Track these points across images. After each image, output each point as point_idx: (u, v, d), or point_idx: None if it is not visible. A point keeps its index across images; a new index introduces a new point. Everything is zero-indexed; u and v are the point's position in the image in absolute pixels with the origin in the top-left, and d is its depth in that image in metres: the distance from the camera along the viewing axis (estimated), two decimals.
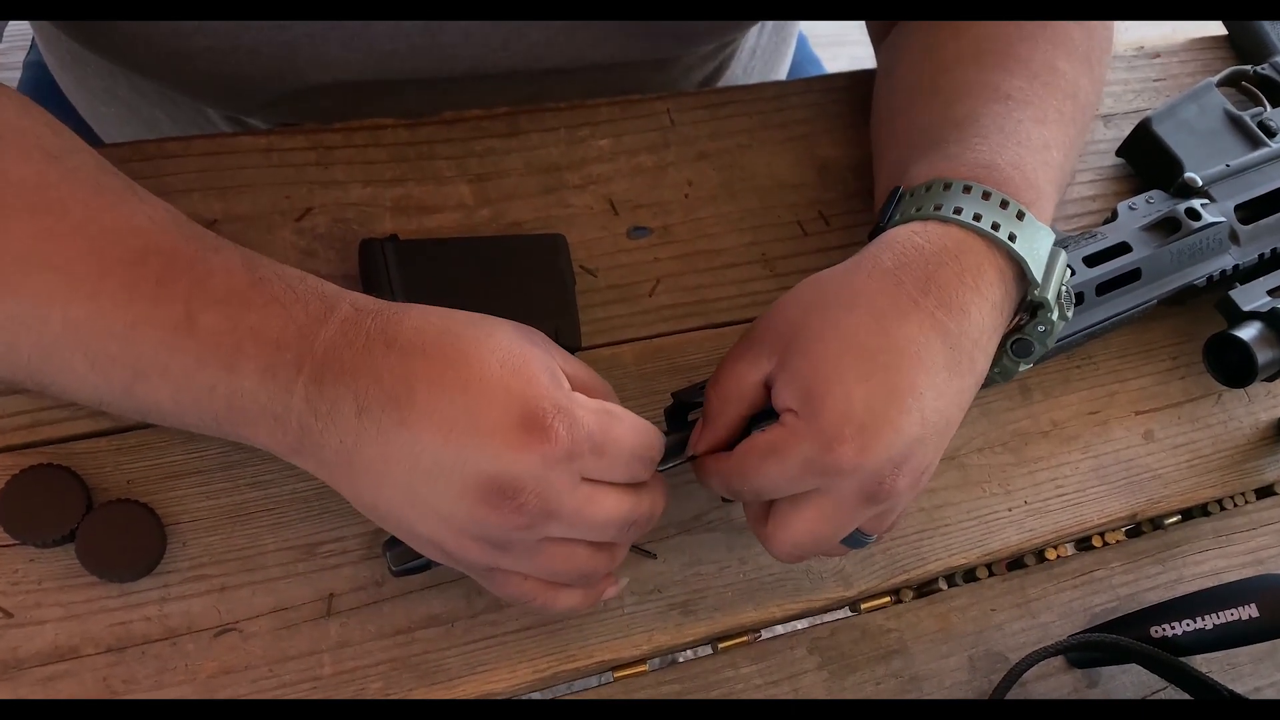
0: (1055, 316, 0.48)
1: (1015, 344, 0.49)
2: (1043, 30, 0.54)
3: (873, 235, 0.49)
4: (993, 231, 0.45)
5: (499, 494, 0.39)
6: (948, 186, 0.47)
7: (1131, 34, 0.83)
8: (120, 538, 0.45)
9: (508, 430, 0.38)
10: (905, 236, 0.46)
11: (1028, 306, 0.48)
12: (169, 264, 0.41)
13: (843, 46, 1.47)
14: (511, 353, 0.40)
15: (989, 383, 0.49)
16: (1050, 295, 0.47)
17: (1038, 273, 0.47)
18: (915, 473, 0.44)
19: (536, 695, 0.50)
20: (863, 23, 0.64)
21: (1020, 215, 0.46)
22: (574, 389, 0.41)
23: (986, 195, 0.46)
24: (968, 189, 0.47)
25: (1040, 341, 0.49)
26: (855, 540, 0.47)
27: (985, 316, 0.45)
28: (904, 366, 0.43)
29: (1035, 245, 0.47)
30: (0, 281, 0.40)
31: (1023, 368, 0.50)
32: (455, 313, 0.42)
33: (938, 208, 0.46)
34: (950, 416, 0.45)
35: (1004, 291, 0.46)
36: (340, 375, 0.40)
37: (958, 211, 0.46)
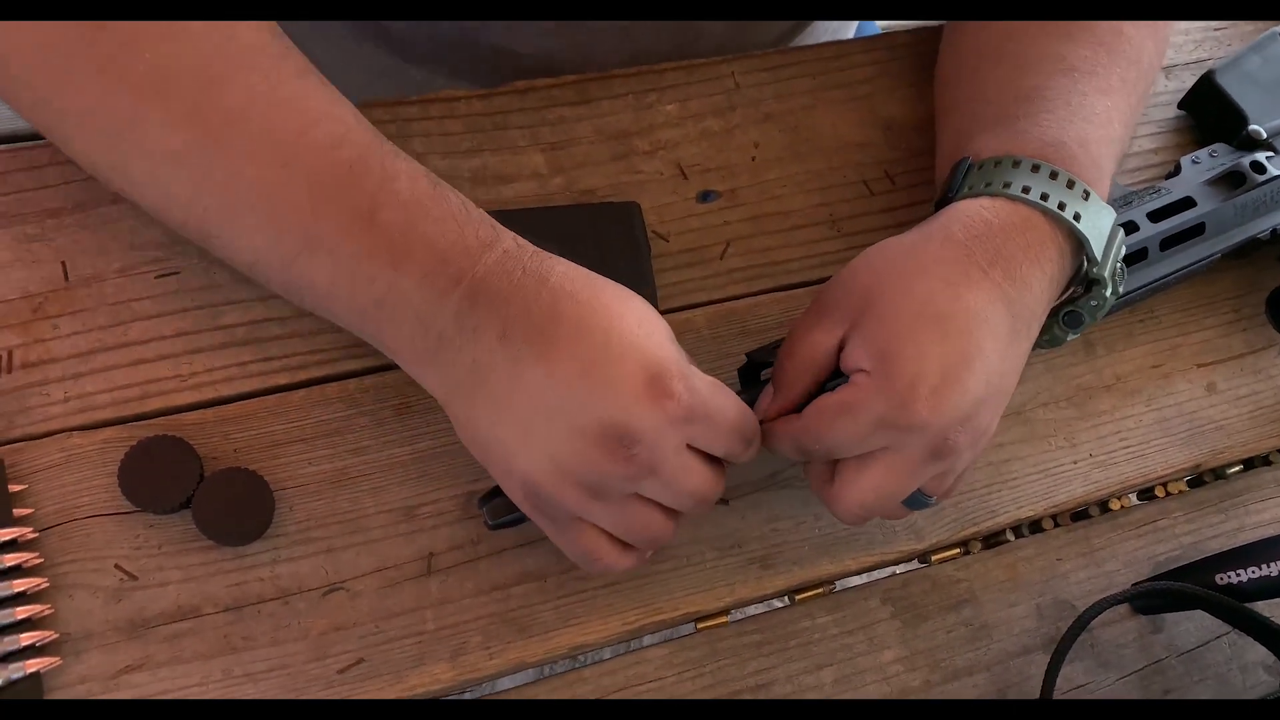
0: (1109, 292, 0.50)
1: (1067, 315, 0.51)
2: None
3: (939, 205, 0.51)
4: (1059, 211, 0.47)
5: (616, 441, 0.41)
6: (1016, 164, 0.49)
7: None
8: (233, 504, 0.47)
9: (637, 384, 0.41)
10: (975, 211, 0.48)
11: (1083, 280, 0.50)
12: (362, 155, 0.43)
13: None
14: (647, 317, 0.43)
15: (1035, 348, 0.51)
16: (1106, 273, 0.49)
17: (1098, 251, 0.48)
18: (976, 432, 0.46)
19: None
20: None
21: (1086, 195, 0.48)
22: None
23: (1054, 175, 0.48)
24: (1035, 168, 0.48)
25: (1091, 315, 0.51)
26: (916, 501, 0.49)
27: (1044, 289, 0.48)
28: (972, 331, 0.45)
29: (1098, 224, 0.48)
30: (208, 131, 0.42)
31: (1070, 338, 0.52)
32: (592, 272, 0.44)
33: (1006, 185, 0.48)
34: (1009, 379, 0.47)
35: (1061, 266, 0.48)
36: (493, 299, 0.42)
37: (1026, 190, 0.48)
